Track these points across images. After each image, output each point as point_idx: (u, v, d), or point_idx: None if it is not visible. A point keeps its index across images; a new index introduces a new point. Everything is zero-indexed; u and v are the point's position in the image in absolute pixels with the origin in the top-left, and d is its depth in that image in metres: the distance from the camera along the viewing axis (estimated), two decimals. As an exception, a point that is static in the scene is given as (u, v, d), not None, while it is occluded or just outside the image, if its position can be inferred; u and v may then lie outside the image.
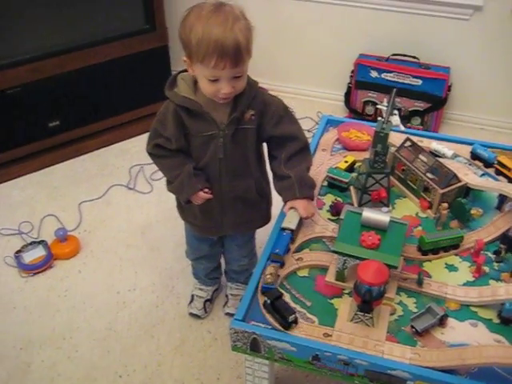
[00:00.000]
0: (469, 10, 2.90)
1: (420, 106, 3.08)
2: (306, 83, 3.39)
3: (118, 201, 2.65)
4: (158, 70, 3.03)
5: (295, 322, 1.33)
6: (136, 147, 3.01)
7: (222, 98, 1.47)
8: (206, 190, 1.60)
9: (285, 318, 1.31)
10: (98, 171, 2.84)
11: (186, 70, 1.54)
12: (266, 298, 1.36)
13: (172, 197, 2.58)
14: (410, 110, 3.10)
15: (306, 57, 3.34)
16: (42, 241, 2.33)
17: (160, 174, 2.78)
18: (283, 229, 1.52)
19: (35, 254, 2.28)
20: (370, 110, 3.18)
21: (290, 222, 1.52)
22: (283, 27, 3.25)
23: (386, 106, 1.58)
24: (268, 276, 1.40)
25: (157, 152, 1.64)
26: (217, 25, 1.36)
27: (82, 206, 2.60)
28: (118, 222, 2.53)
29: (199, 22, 1.38)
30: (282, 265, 1.47)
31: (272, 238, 1.55)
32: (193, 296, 2.11)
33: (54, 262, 2.30)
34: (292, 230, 1.51)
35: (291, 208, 1.56)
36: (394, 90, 1.59)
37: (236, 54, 1.38)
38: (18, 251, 2.29)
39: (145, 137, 2.98)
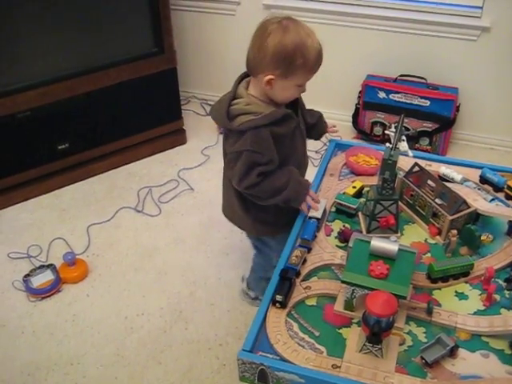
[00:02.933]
0: (476, 31, 2.91)
1: (428, 126, 3.07)
2: (313, 104, 3.34)
3: (126, 224, 2.66)
4: (166, 92, 3.06)
5: (281, 304, 1.40)
6: (144, 169, 3.02)
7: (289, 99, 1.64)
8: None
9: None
10: (107, 194, 2.85)
11: (230, 104, 1.60)
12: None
13: (179, 220, 2.58)
14: (418, 130, 3.10)
15: (314, 77, 3.33)
16: (51, 264, 2.34)
17: (168, 197, 2.80)
18: (310, 218, 1.64)
19: (44, 278, 2.28)
20: (378, 130, 3.17)
21: (316, 211, 1.66)
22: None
23: (394, 132, 1.58)
24: (294, 257, 1.51)
25: (261, 178, 1.62)
26: (316, 40, 1.58)
27: (90, 229, 2.61)
28: (126, 245, 2.53)
29: (307, 39, 1.54)
30: (309, 250, 1.57)
31: (297, 227, 1.65)
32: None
33: (62, 286, 2.31)
34: (318, 219, 1.64)
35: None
36: (402, 116, 1.58)
37: None
38: (27, 275, 2.29)
39: (153, 158, 3.10)
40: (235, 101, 1.61)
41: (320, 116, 1.93)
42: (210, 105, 3.58)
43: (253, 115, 1.57)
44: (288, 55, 1.52)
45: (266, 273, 2.04)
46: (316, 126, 1.92)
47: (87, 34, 2.69)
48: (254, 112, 1.58)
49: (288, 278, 1.45)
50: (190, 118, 3.42)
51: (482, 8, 2.86)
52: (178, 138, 3.21)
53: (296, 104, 1.71)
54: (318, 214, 1.65)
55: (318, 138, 1.97)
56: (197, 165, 3.04)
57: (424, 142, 3.14)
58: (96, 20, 2.69)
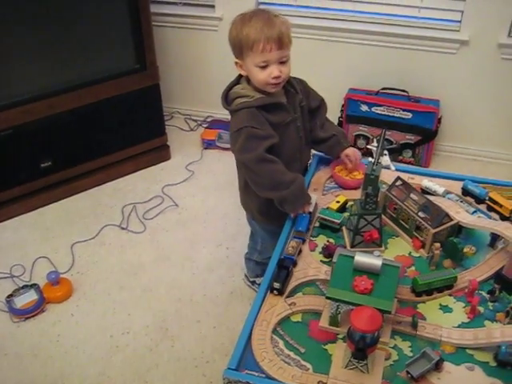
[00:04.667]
0: (456, 45, 2.95)
1: (411, 138, 3.10)
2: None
3: (110, 241, 2.64)
4: (149, 108, 3.05)
5: (278, 291, 1.46)
6: (129, 186, 3.01)
7: (272, 83, 1.70)
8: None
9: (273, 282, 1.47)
10: (91, 211, 2.83)
11: (229, 89, 1.80)
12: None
13: (164, 237, 2.57)
14: (400, 142, 3.12)
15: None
16: (34, 284, 2.31)
17: (153, 213, 2.79)
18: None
19: (27, 299, 2.25)
20: (361, 143, 3.19)
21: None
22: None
23: (376, 147, 1.59)
24: (290, 248, 1.58)
25: (268, 157, 1.70)
26: (261, 20, 1.65)
27: (74, 247, 2.59)
28: (110, 262, 2.52)
29: (246, 22, 1.67)
30: (304, 241, 1.64)
31: (290, 220, 1.73)
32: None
33: (46, 305, 2.28)
34: (310, 213, 1.70)
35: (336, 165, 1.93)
36: (384, 130, 1.59)
37: (279, 38, 1.64)
38: (10, 295, 2.27)
39: (138, 175, 3.09)
40: (235, 86, 1.80)
41: (334, 135, 1.93)
42: (193, 120, 3.60)
43: (247, 98, 1.74)
44: (232, 40, 1.71)
45: (251, 255, 2.25)
46: (326, 143, 1.95)
47: (69, 51, 2.69)
48: (248, 95, 1.74)
49: (285, 267, 1.50)
50: (174, 133, 3.42)
51: (460, 22, 2.90)
52: (162, 153, 3.21)
53: (294, 100, 1.82)
54: (310, 208, 1.72)
55: (328, 154, 1.99)
56: (181, 180, 3.03)
57: (407, 154, 3.16)
58: (78, 37, 2.68)
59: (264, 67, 1.67)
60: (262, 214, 1.96)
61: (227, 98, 1.79)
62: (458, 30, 2.93)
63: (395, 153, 3.16)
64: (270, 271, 1.52)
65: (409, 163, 3.17)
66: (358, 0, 3.05)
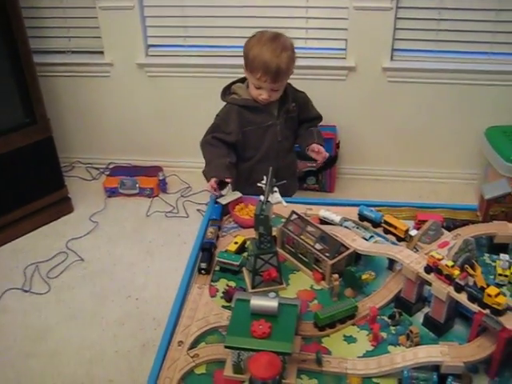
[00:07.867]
0: (344, 71, 3.05)
1: (313, 166, 3.14)
2: (192, 156, 3.39)
3: (13, 307, 2.50)
4: (44, 162, 2.95)
5: (205, 271, 1.63)
6: (30, 245, 2.88)
7: (260, 101, 2.07)
8: (228, 180, 1.99)
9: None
10: (-11, 276, 2.68)
11: (234, 83, 2.18)
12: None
13: (70, 295, 2.46)
14: (304, 170, 3.16)
15: (194, 132, 3.35)
16: None
17: (57, 271, 2.67)
18: (216, 202, 1.93)
19: None
20: (265, 175, 3.21)
21: (224, 199, 1.94)
22: (168, 104, 3.24)
23: (265, 185, 1.58)
24: (209, 233, 1.78)
25: (212, 142, 2.10)
26: (269, 50, 1.96)
27: (-28, 319, 2.43)
28: (13, 330, 2.38)
29: (258, 44, 1.99)
30: (219, 228, 1.83)
31: (208, 211, 1.92)
32: None
33: None
34: (223, 205, 1.92)
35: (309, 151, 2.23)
36: (271, 169, 1.59)
37: (276, 75, 1.98)
38: None
39: (38, 232, 2.96)
40: (237, 83, 2.16)
41: (310, 130, 2.27)
42: (95, 168, 3.51)
43: (237, 96, 2.12)
44: (246, 52, 2.02)
45: None
46: (302, 135, 2.28)
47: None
48: (239, 94, 2.11)
49: (208, 250, 1.68)
50: (76, 184, 3.32)
51: (345, 50, 3.00)
52: (63, 207, 3.09)
53: (281, 108, 2.16)
54: (224, 201, 1.92)
55: (300, 144, 2.29)
56: (85, 233, 2.93)
57: (311, 181, 3.21)
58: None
59: (258, 88, 2.03)
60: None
61: (226, 91, 2.15)
62: (345, 58, 3.03)
63: (300, 181, 3.19)
64: (193, 256, 1.70)
65: (313, 189, 3.22)
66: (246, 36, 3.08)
